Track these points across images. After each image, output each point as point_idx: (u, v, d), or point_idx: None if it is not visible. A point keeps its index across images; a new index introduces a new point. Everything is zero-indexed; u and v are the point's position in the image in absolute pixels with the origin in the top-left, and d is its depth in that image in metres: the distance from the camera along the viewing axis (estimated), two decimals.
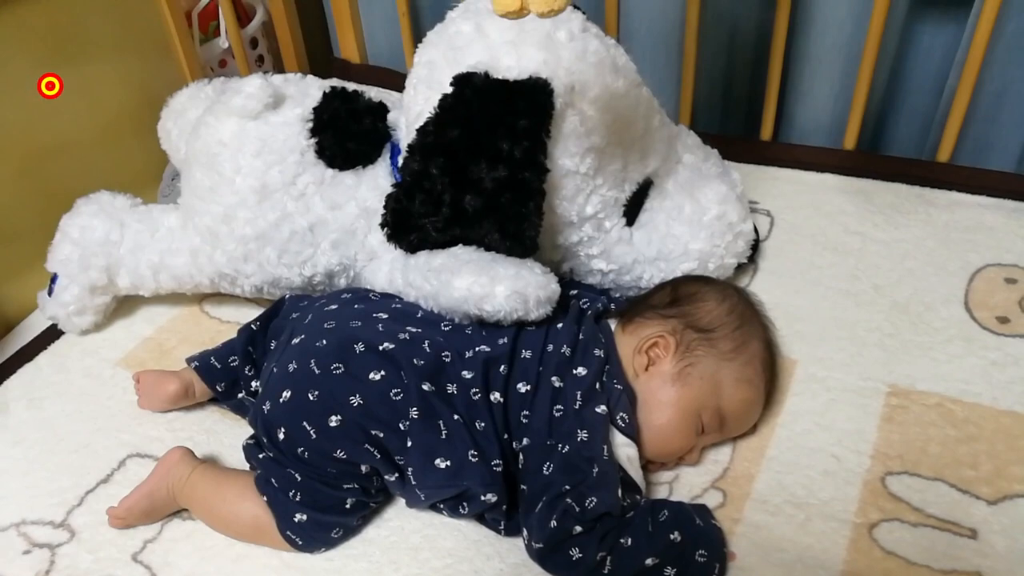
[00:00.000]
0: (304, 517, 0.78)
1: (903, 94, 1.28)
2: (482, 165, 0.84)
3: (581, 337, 0.82)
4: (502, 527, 0.79)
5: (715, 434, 0.83)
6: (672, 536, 0.74)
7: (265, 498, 0.78)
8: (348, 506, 0.79)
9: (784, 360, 0.95)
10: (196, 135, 0.97)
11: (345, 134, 0.97)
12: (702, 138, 1.09)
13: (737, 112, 1.36)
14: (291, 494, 0.78)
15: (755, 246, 1.07)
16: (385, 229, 0.89)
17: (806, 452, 0.86)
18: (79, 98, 1.17)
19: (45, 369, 1.05)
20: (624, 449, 0.77)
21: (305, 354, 0.81)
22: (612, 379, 0.80)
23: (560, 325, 0.84)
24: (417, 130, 0.86)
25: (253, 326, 0.94)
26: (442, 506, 0.80)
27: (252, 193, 0.94)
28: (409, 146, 0.87)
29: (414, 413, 0.76)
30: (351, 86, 1.04)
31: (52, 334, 1.08)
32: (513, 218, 0.84)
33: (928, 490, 0.81)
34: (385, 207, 0.89)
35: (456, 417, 0.77)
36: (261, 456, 0.80)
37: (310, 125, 0.96)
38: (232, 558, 0.81)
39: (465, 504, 0.78)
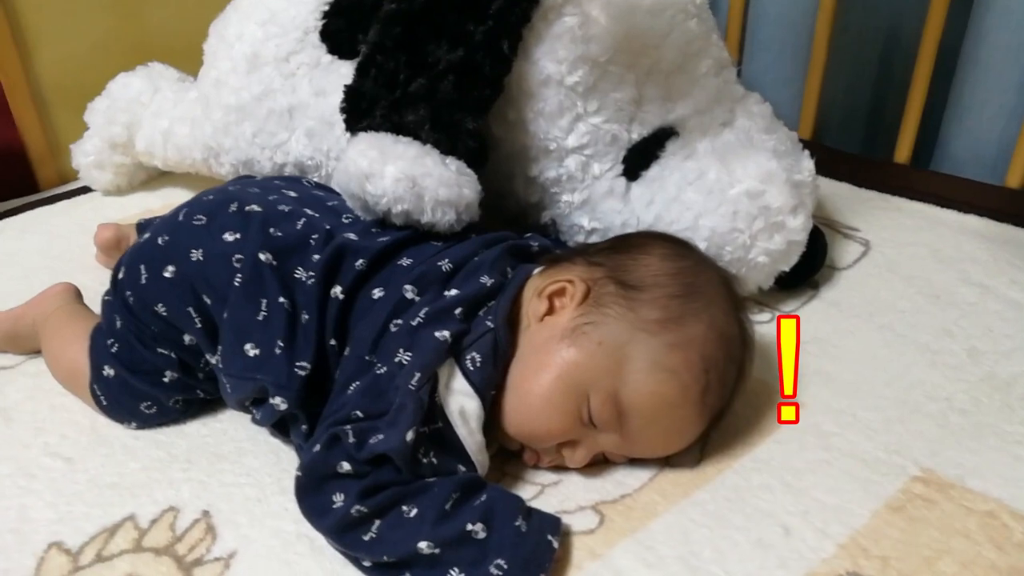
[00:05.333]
0: (112, 372, 0.67)
1: None
2: (443, 46, 0.71)
3: (475, 259, 0.64)
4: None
5: (613, 434, 0.59)
6: (472, 528, 0.53)
7: (88, 343, 0.70)
8: (166, 380, 0.67)
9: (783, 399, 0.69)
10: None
11: (360, 24, 0.88)
12: (832, 160, 0.85)
13: (884, 130, 1.06)
14: (109, 342, 0.68)
15: (816, 261, 0.81)
16: (343, 115, 0.78)
17: (749, 510, 0.59)
18: None
19: (58, 215, 1.06)
20: (460, 398, 0.57)
21: (188, 205, 0.72)
22: (489, 315, 0.60)
23: (465, 243, 0.66)
24: None
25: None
26: (252, 409, 0.65)
27: (244, 60, 0.88)
28: (375, 15, 0.76)
29: (237, 280, 0.63)
30: None
31: (86, 190, 1.11)
32: (449, 104, 0.69)
33: None
34: (344, 89, 0.78)
35: (282, 300, 0.62)
36: (103, 298, 0.72)
37: (326, 8, 0.88)
38: (53, 406, 0.72)
39: (258, 409, 0.63)
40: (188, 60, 1.04)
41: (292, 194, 0.73)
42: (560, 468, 0.63)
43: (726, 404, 0.62)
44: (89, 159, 1.04)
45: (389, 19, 0.73)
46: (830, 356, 0.73)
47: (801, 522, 0.57)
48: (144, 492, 0.63)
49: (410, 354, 0.57)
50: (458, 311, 0.59)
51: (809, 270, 0.81)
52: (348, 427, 0.55)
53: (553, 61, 0.72)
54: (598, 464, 0.63)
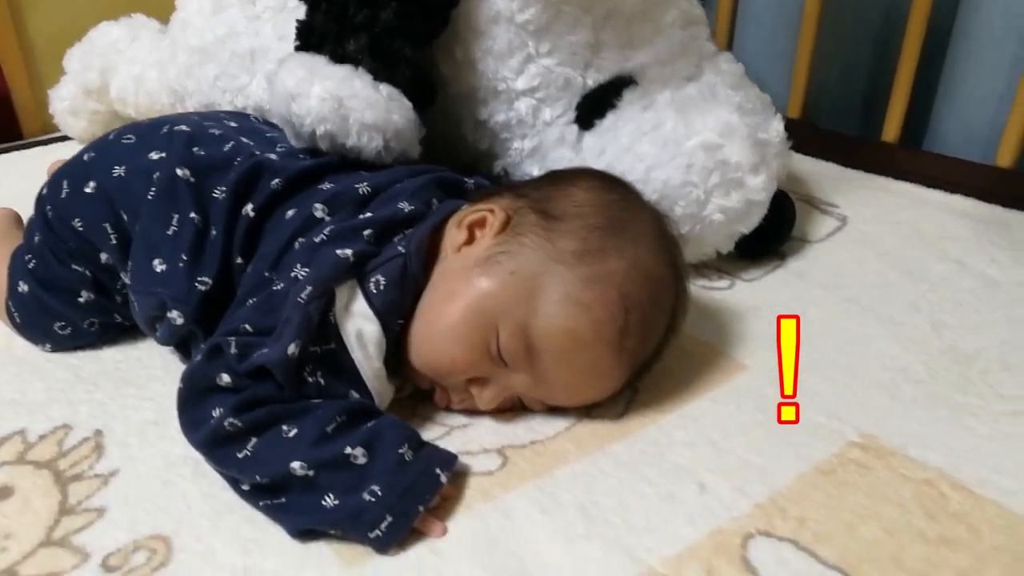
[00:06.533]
0: (26, 288, 0.65)
1: None
2: None
3: (397, 186, 0.61)
4: None
5: (523, 374, 0.55)
6: (351, 451, 0.49)
7: (10, 260, 0.68)
8: (81, 300, 0.65)
9: (728, 361, 0.64)
10: None
11: None
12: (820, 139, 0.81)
13: (881, 112, 1.00)
14: (27, 258, 0.66)
15: (783, 229, 0.76)
16: (295, 50, 0.76)
17: (665, 466, 0.54)
18: None
19: (31, 159, 1.07)
20: (359, 321, 0.53)
21: (123, 127, 0.70)
22: (403, 241, 0.57)
23: (391, 171, 0.63)
24: None
25: None
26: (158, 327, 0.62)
27: (210, 1, 0.87)
28: None
29: (151, 194, 0.61)
30: None
31: (65, 140, 1.11)
32: (389, 32, 0.66)
33: None
34: (296, 23, 0.76)
35: (193, 216, 0.59)
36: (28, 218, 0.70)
37: None
38: None
39: (158, 323, 0.60)
40: None
41: (232, 124, 0.71)
42: (474, 413, 0.59)
43: (653, 354, 0.58)
44: (64, 104, 1.04)
45: None
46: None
47: (719, 480, 0.53)
48: (41, 410, 0.61)
49: (306, 270, 0.54)
50: (367, 232, 0.56)
51: (775, 239, 0.77)
52: (232, 338, 0.52)
53: None
54: (515, 411, 0.59)
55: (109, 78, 1.02)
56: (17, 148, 1.09)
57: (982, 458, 0.53)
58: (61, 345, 0.67)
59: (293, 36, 0.83)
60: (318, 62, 0.65)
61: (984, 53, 0.84)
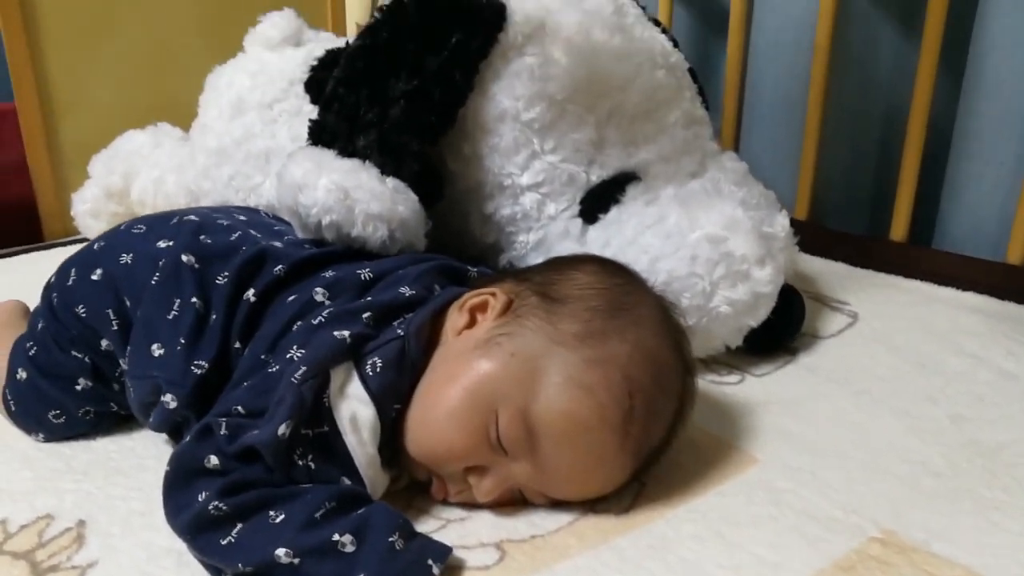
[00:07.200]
0: (24, 375, 0.65)
1: None
2: (402, 79, 0.71)
3: (399, 272, 0.61)
4: None
5: (525, 463, 0.53)
6: (339, 539, 0.47)
7: (12, 347, 0.68)
8: (78, 388, 0.64)
9: (739, 455, 0.61)
10: None
11: None
12: (828, 239, 0.82)
13: (888, 212, 1.00)
14: (28, 345, 0.66)
15: (792, 325, 0.75)
16: None
17: (671, 560, 0.51)
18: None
19: (49, 259, 1.07)
20: (354, 404, 0.52)
21: (136, 218, 0.72)
22: (402, 324, 0.56)
23: (394, 258, 0.63)
24: (359, 34, 0.77)
25: None
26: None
27: (229, 107, 0.91)
28: (344, 53, 0.77)
29: (155, 279, 0.61)
30: None
31: (84, 240, 1.13)
32: (396, 127, 0.68)
33: None
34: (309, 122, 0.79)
35: (194, 300, 0.59)
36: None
37: (314, 63, 0.91)
38: None
39: (152, 409, 0.59)
40: None
41: (241, 217, 0.72)
42: (472, 506, 0.56)
43: (660, 444, 0.56)
44: (86, 206, 1.07)
45: (353, 54, 0.75)
46: (796, 416, 0.66)
47: (729, 575, 0.49)
48: (26, 499, 0.59)
49: (302, 351, 0.53)
50: (366, 315, 0.56)
51: (784, 333, 0.75)
52: (223, 419, 0.51)
53: (510, 97, 0.71)
54: (516, 505, 0.57)
55: (131, 182, 1.05)
56: (37, 249, 1.12)
57: (1012, 554, 0.50)
58: (54, 434, 0.66)
59: (306, 136, 0.87)
60: (326, 155, 0.67)
61: (985, 152, 0.85)
